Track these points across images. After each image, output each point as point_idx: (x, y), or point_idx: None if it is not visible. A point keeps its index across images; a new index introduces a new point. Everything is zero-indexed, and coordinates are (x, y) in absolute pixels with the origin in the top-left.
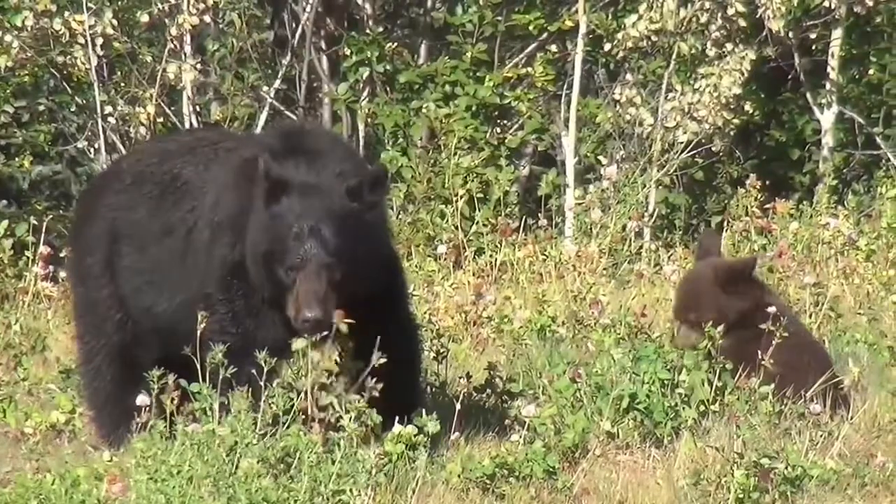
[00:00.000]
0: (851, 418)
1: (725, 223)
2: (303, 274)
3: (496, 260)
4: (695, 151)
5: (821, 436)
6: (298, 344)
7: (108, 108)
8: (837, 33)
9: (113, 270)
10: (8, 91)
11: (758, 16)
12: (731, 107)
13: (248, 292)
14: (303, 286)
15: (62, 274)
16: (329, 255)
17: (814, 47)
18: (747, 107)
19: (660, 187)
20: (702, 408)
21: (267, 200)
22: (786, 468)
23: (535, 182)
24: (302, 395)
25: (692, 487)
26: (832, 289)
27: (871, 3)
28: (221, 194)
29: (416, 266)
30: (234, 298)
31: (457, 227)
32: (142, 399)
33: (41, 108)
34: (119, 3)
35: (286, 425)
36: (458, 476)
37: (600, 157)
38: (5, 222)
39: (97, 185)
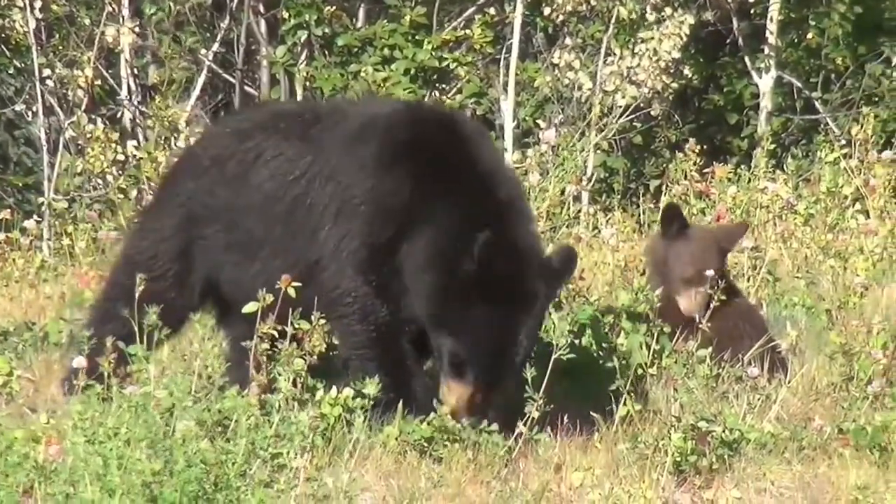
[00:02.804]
0: (789, 382)
1: (664, 187)
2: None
3: None
4: (633, 115)
5: (758, 399)
6: (249, 307)
7: (47, 71)
8: None
9: (190, 256)
10: None
11: None
12: (670, 71)
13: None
14: (483, 398)
15: (0, 235)
16: None
17: (752, 11)
18: (686, 71)
19: (598, 151)
20: (640, 371)
21: (477, 299)
22: (723, 431)
23: None
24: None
25: (630, 451)
26: (770, 252)
27: None
28: (361, 178)
29: None
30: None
31: None
32: (78, 361)
33: None
34: None
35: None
36: (396, 439)
37: (539, 121)
38: None
39: (173, 171)
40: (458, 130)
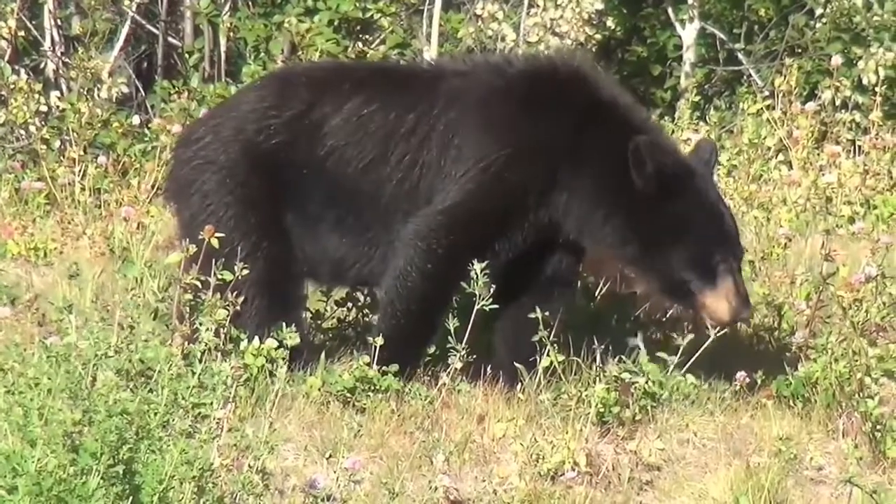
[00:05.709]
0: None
1: None
2: (734, 268)
3: None
4: None
5: (682, 350)
6: (172, 259)
7: None
8: None
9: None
10: None
11: None
12: (593, 22)
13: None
14: (740, 280)
15: None
16: None
17: None
18: (609, 22)
19: None
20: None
21: (667, 189)
22: (646, 382)
23: None
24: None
25: (553, 402)
26: None
27: None
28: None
29: None
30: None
31: None
32: (1, 311)
33: None
34: None
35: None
36: (319, 389)
37: None
38: None
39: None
40: (577, 71)
